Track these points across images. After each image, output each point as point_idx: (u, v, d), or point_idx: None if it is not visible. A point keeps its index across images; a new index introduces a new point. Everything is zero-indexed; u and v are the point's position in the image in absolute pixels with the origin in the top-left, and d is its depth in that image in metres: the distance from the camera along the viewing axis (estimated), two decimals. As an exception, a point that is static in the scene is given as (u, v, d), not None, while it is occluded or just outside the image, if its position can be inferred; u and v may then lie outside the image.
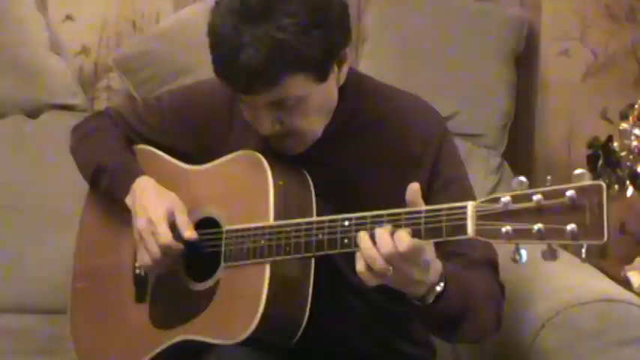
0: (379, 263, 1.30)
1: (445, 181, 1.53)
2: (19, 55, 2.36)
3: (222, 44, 1.40)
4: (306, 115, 1.47)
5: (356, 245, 1.35)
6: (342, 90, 1.53)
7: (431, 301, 1.38)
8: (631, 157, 2.11)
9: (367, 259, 1.31)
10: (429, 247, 1.33)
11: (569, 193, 1.16)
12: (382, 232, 1.31)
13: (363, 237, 1.33)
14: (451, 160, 1.58)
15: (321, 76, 1.44)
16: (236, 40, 1.38)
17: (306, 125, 1.48)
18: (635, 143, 2.12)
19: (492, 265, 1.53)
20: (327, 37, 1.41)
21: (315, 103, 1.46)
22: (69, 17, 2.50)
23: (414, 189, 1.33)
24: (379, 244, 1.30)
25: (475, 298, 1.45)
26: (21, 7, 2.37)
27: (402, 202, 1.34)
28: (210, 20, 1.45)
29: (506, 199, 1.21)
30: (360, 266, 1.33)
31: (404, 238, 1.29)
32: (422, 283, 1.36)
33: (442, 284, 1.38)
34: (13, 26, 2.36)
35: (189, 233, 1.54)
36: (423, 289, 1.37)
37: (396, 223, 1.32)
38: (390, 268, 1.30)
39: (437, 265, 1.37)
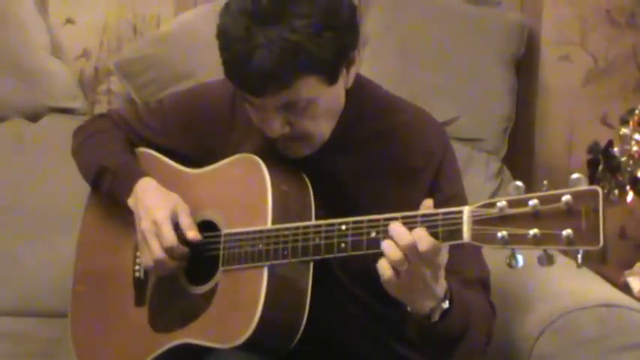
0: (396, 255, 1.30)
1: (446, 197, 1.52)
2: (20, 58, 2.36)
3: (234, 46, 1.39)
4: (316, 117, 1.46)
5: (354, 249, 1.36)
6: (346, 94, 1.53)
7: (437, 318, 1.38)
8: (631, 162, 2.11)
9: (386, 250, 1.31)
10: (445, 250, 1.33)
11: (565, 198, 1.16)
12: (399, 228, 1.31)
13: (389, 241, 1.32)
14: (452, 175, 1.58)
15: (332, 78, 1.44)
16: (248, 42, 1.37)
17: (315, 128, 1.48)
18: (635, 148, 2.12)
19: (484, 284, 1.54)
20: (338, 39, 1.41)
21: (324, 106, 1.46)
22: (70, 21, 2.50)
23: (427, 205, 1.33)
24: (398, 238, 1.30)
25: (474, 319, 1.45)
26: (22, 10, 2.37)
27: (400, 212, 1.34)
28: (221, 22, 1.43)
29: (502, 204, 1.21)
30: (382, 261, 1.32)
31: (424, 238, 1.29)
32: (431, 295, 1.36)
33: (447, 302, 1.38)
34: (14, 29, 2.36)
35: (192, 234, 1.54)
36: (431, 303, 1.37)
37: None
38: (406, 262, 1.30)
39: (442, 281, 1.37)
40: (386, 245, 1.32)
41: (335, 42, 1.40)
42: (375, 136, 1.56)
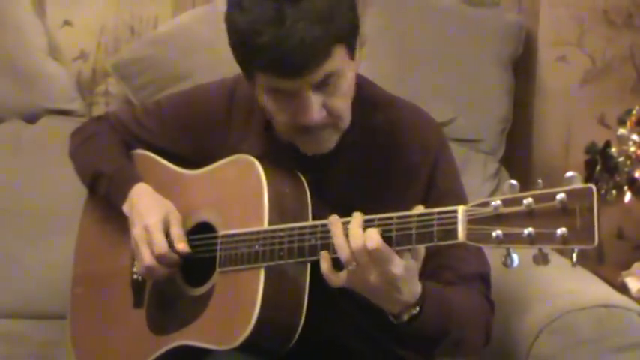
0: (346, 254, 1.32)
1: (441, 194, 1.53)
2: (17, 60, 2.36)
3: (268, 29, 1.37)
4: (345, 95, 1.47)
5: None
6: None
7: (405, 319, 1.39)
8: (629, 162, 2.11)
9: (337, 247, 1.34)
10: (399, 261, 1.33)
11: (560, 196, 1.16)
12: (354, 227, 1.33)
13: (335, 223, 1.35)
14: (448, 171, 1.58)
15: (352, 51, 1.45)
16: (283, 22, 1.36)
17: (345, 108, 1.48)
18: (632, 149, 2.12)
19: (484, 279, 1.54)
20: (353, 12, 1.44)
21: (348, 83, 1.46)
22: (67, 22, 2.50)
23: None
24: (350, 237, 1.32)
25: (459, 320, 1.45)
26: (19, 12, 2.37)
27: (402, 209, 1.34)
28: (241, 16, 1.40)
29: (496, 203, 1.21)
30: (324, 266, 1.36)
31: (373, 236, 1.30)
32: (394, 301, 1.37)
33: (418, 308, 1.39)
34: (12, 31, 2.36)
35: (181, 246, 1.54)
36: (397, 307, 1.38)
37: (387, 228, 1.33)
38: (354, 262, 1.32)
39: (415, 288, 1.38)
40: (337, 243, 1.34)
41: (352, 13, 1.43)
42: (371, 134, 1.56)
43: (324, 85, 1.43)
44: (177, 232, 1.56)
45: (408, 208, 1.34)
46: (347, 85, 1.46)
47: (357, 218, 1.35)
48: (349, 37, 1.43)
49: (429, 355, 1.54)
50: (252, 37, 1.39)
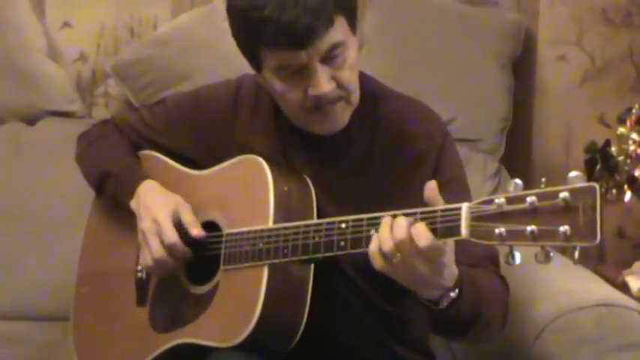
0: (388, 245, 1.30)
1: (446, 180, 1.53)
2: (17, 61, 2.36)
3: (270, 2, 1.39)
4: (351, 68, 1.48)
5: (353, 246, 1.36)
6: None
7: (445, 305, 1.38)
8: (629, 161, 2.12)
9: (380, 240, 1.31)
10: (449, 251, 1.33)
11: (563, 194, 1.16)
12: (400, 220, 1.31)
13: (385, 221, 1.33)
14: (452, 159, 1.59)
15: (354, 25, 1.48)
16: None
17: (353, 80, 1.49)
18: (632, 148, 2.12)
19: (494, 260, 1.53)
20: None
21: (354, 57, 1.48)
22: (67, 24, 2.50)
23: (431, 187, 1.33)
24: (394, 230, 1.30)
25: (487, 302, 1.45)
26: (19, 13, 2.37)
27: (411, 199, 1.35)
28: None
29: (500, 200, 1.21)
30: (373, 246, 1.33)
31: (423, 234, 1.28)
32: (436, 286, 1.36)
33: (457, 290, 1.38)
34: (11, 33, 2.36)
35: (196, 231, 1.55)
36: (437, 292, 1.37)
37: None
38: (398, 254, 1.30)
39: (453, 270, 1.37)
40: (380, 234, 1.32)
41: None
42: (377, 124, 1.57)
43: (330, 59, 1.44)
44: (189, 219, 1.56)
45: (416, 196, 1.34)
46: (353, 60, 1.48)
47: (400, 219, 1.32)
48: (349, 8, 1.45)
49: (461, 341, 1.50)
50: (254, 12, 1.41)
